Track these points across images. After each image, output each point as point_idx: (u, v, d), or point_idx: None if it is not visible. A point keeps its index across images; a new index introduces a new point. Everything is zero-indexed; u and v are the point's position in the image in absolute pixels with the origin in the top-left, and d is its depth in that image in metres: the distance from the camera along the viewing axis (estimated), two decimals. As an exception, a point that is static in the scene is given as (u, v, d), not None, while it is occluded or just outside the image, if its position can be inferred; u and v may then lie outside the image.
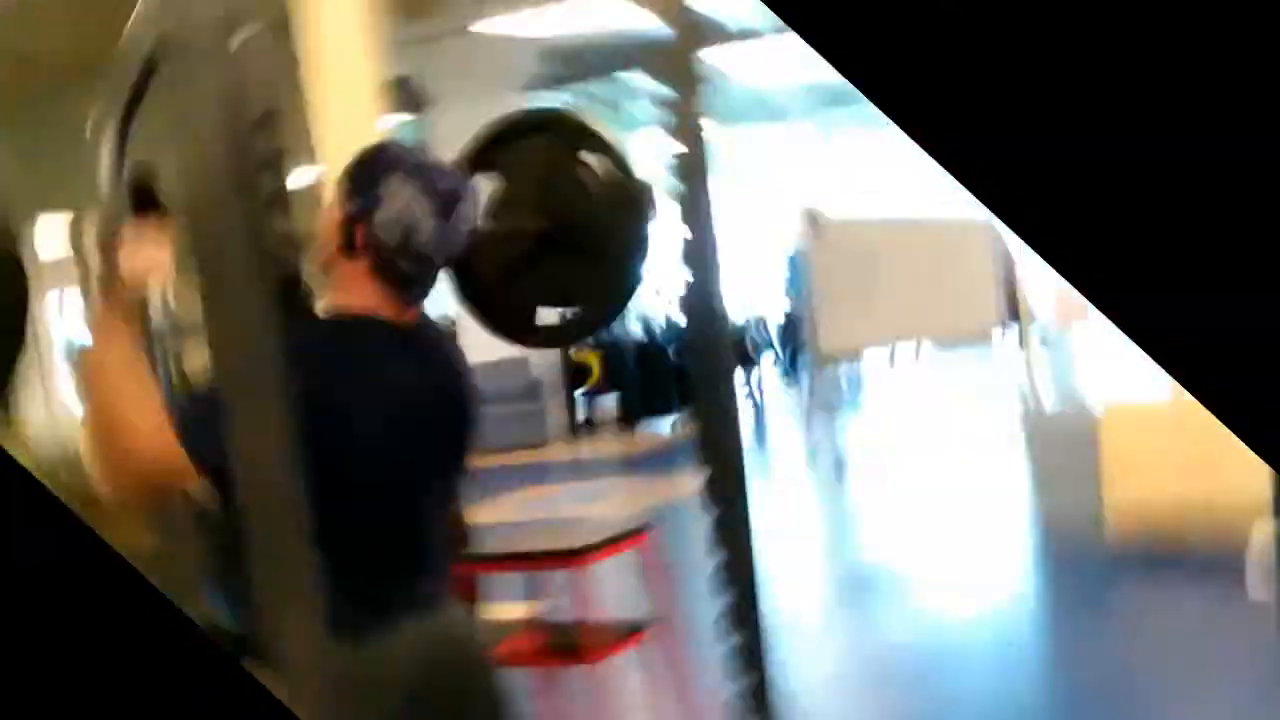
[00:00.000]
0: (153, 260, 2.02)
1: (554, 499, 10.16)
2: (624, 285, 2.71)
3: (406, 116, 13.40)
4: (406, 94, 12.69)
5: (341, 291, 2.21)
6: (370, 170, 2.16)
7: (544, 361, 14.44)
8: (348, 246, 2.17)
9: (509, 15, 10.62)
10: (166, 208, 2.75)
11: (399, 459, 2.17)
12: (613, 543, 4.34)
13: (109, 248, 2.03)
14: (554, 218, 2.69)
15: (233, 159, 1.70)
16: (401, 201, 2.13)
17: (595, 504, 9.67)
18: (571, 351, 14.80)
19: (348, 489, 2.07)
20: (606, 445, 13.51)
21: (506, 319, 2.81)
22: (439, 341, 2.36)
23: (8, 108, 10.55)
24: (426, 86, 12.51)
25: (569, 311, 2.75)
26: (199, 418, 1.89)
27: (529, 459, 12.56)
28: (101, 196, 2.55)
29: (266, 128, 2.52)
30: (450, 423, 2.33)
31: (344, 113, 5.33)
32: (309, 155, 5.27)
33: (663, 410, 14.35)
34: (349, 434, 2.08)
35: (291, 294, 2.34)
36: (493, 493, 10.37)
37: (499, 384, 13.35)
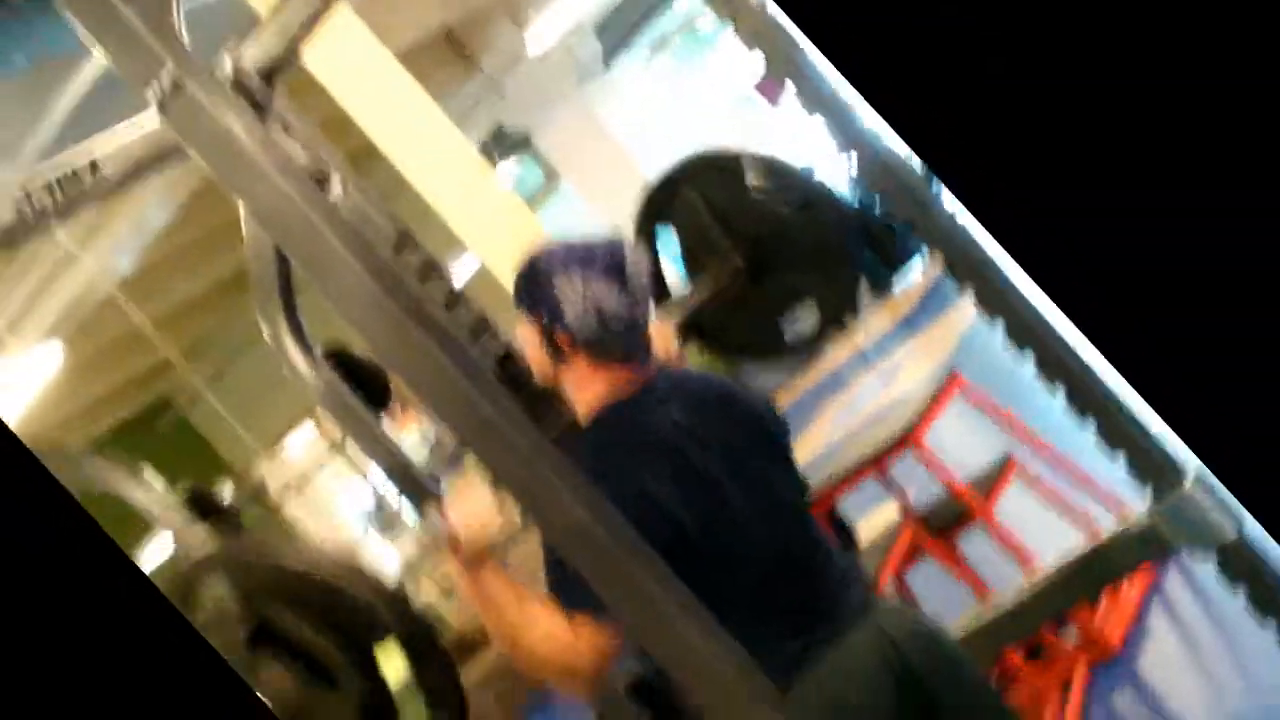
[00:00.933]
0: (482, 515, 2.10)
1: (859, 398, 10.11)
2: (846, 263, 2.79)
3: (515, 159, 13.57)
4: (506, 139, 12.85)
5: (581, 395, 2.26)
6: (535, 283, 2.23)
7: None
8: (559, 357, 2.23)
9: (547, 15, 10.63)
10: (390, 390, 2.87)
11: (737, 490, 2.21)
12: (933, 402, 4.31)
13: (434, 514, 2.14)
14: (750, 242, 2.79)
15: (395, 290, 1.75)
16: (577, 293, 2.18)
17: (898, 381, 9.59)
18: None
19: (712, 550, 2.13)
20: (875, 323, 13.37)
21: (758, 348, 2.93)
22: (687, 374, 2.38)
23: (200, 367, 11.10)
24: (520, 123, 12.62)
25: (811, 310, 2.84)
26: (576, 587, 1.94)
27: (816, 378, 12.52)
28: (313, 395, 2.67)
29: (406, 247, 2.60)
30: (753, 425, 2.34)
31: (465, 193, 5.43)
32: (459, 247, 5.38)
33: (902, 262, 14.14)
34: (686, 505, 2.13)
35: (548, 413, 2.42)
36: (802, 426, 10.39)
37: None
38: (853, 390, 10.65)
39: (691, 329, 2.92)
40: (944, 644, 2.31)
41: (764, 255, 2.80)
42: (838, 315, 2.91)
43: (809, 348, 2.99)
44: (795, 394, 12.29)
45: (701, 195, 2.83)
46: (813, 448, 9.16)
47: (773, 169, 2.80)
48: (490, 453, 1.81)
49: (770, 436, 2.36)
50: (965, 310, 9.51)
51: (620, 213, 11.73)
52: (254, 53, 2.51)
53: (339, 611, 1.78)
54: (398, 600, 1.82)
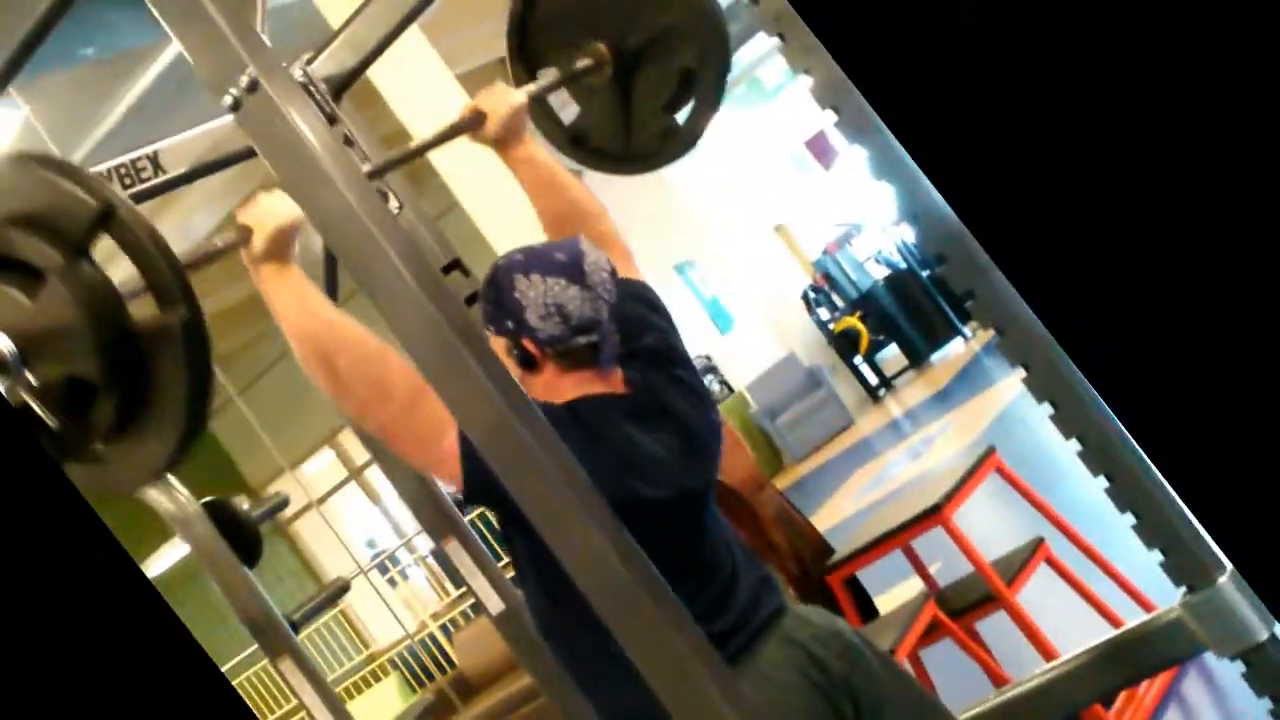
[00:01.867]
0: (275, 211, 2.11)
1: (887, 469, 10.09)
2: (710, 19, 2.71)
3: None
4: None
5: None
6: (498, 291, 2.25)
7: (810, 347, 14.42)
8: (528, 363, 2.25)
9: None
10: None
11: (671, 501, 2.22)
12: (966, 480, 4.30)
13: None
14: (612, 30, 2.72)
15: (446, 308, 1.78)
16: (537, 292, 2.20)
17: (929, 455, 9.57)
18: (831, 325, 14.73)
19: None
20: (910, 394, 13.37)
21: (663, 145, 2.86)
22: (657, 391, 2.37)
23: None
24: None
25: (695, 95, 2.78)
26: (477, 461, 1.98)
27: (846, 444, 12.51)
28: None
29: (455, 270, 2.63)
30: (700, 452, 2.35)
31: (514, 222, 5.46)
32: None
33: (946, 333, 14.14)
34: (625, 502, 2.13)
35: None
36: (828, 491, 10.38)
37: (779, 390, 13.38)
38: (883, 460, 10.63)
39: (577, 142, 2.88)
40: (852, 641, 2.31)
41: (629, 42, 2.72)
42: (719, 87, 2.83)
43: (698, 131, 2.90)
44: (824, 458, 12.28)
45: (553, 3, 2.77)
46: (838, 513, 9.15)
47: None
48: (523, 480, 1.82)
49: (712, 447, 2.38)
50: (1004, 389, 9.57)
51: (666, 254, 11.73)
52: (325, 64, 2.56)
53: (42, 209, 1.76)
54: (102, 191, 1.78)
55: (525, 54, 2.83)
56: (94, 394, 1.77)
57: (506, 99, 2.53)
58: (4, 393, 1.75)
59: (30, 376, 1.76)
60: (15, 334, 1.74)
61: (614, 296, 2.26)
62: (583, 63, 2.73)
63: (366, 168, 2.44)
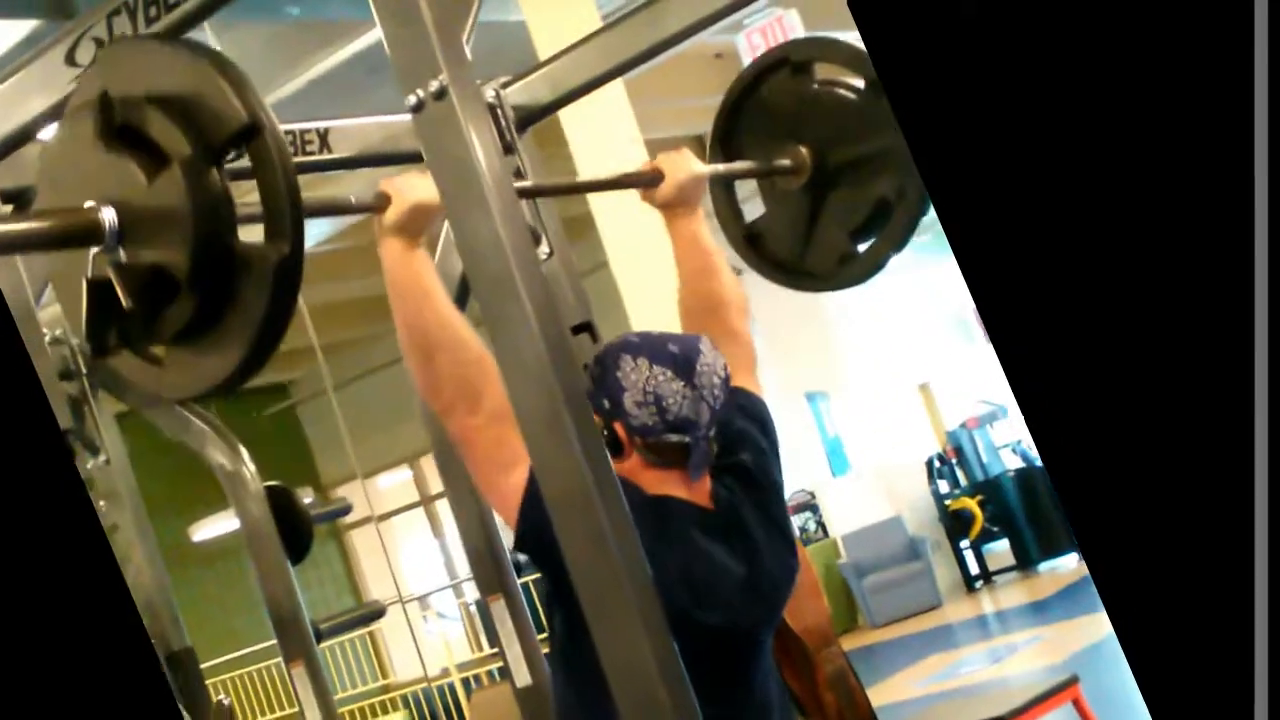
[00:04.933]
0: (421, 192, 2.11)
1: (962, 663, 9.90)
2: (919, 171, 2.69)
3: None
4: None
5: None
6: (600, 367, 2.26)
7: (920, 516, 14.24)
8: (615, 448, 2.23)
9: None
10: None
11: (722, 630, 2.21)
12: (1038, 702, 4.21)
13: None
14: (820, 139, 2.71)
15: (561, 368, 1.78)
16: (640, 377, 2.20)
17: (1009, 662, 9.37)
18: (947, 501, 14.55)
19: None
20: (1007, 595, 13.13)
21: (837, 270, 2.84)
22: (741, 515, 2.35)
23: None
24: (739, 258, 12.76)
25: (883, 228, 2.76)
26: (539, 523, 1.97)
27: (925, 625, 12.31)
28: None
29: (584, 333, 2.64)
30: (767, 591, 2.33)
31: (661, 303, 5.48)
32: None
33: (1063, 545, 13.88)
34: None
35: None
36: (895, 667, 10.20)
37: (876, 549, 13.21)
38: (961, 652, 10.45)
39: (752, 242, 2.89)
40: None
41: (833, 154, 2.72)
42: (909, 226, 2.79)
43: (877, 263, 2.89)
44: (901, 632, 12.11)
45: (770, 99, 2.77)
46: (899, 693, 9.00)
47: (849, 56, 2.71)
48: (587, 563, 1.81)
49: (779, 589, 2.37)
50: (1106, 620, 9.31)
51: (801, 379, 11.63)
52: (519, 92, 2.60)
53: (191, 100, 1.77)
54: (255, 106, 1.79)
55: (729, 139, 2.85)
56: (174, 293, 1.79)
57: (689, 164, 2.56)
58: (90, 260, 1.80)
59: (122, 253, 1.79)
60: (121, 208, 1.78)
61: (720, 404, 2.26)
62: (781, 161, 2.74)
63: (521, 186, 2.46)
